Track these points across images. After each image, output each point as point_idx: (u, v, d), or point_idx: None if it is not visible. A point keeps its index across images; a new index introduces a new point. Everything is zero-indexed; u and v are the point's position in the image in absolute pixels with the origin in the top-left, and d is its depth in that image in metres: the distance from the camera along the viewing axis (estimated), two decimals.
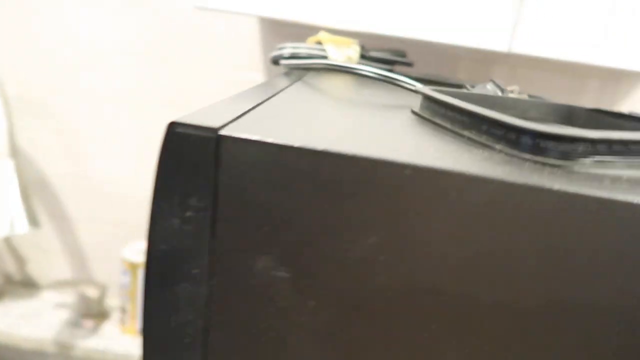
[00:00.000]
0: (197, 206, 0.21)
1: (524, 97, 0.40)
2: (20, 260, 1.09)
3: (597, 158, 0.23)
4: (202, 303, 0.23)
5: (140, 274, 0.96)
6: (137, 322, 0.99)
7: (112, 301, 1.06)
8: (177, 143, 0.21)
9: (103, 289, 1.04)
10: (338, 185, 0.21)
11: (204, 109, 0.24)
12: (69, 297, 1.06)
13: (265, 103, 0.29)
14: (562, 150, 0.23)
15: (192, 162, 0.21)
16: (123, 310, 0.99)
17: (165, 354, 0.23)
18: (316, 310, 0.22)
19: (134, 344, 0.98)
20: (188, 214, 0.22)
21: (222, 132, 0.21)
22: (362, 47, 0.55)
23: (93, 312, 1.02)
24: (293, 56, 0.51)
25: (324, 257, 0.22)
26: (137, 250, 0.99)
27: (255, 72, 0.96)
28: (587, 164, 0.23)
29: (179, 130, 0.21)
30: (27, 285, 1.09)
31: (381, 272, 0.21)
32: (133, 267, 0.96)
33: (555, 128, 0.23)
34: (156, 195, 0.21)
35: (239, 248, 0.22)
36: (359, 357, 0.23)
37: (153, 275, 0.22)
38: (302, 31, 0.92)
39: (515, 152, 0.24)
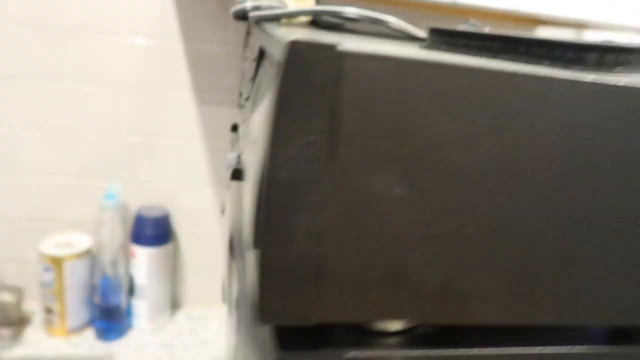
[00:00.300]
0: (319, 129, 0.21)
1: None
2: None
3: (629, 66, 0.27)
4: (320, 231, 0.23)
5: (66, 268, 0.87)
6: (67, 322, 0.90)
7: (31, 304, 0.95)
8: (300, 64, 0.20)
9: (19, 292, 0.93)
10: (454, 96, 0.22)
11: (289, 34, 0.23)
12: None
13: None
14: (604, 60, 0.27)
15: (315, 82, 0.21)
16: (48, 311, 0.90)
17: (282, 288, 0.23)
18: (431, 223, 0.23)
19: (66, 346, 0.90)
20: (309, 137, 0.21)
21: (344, 48, 0.21)
22: (317, 2, 0.56)
23: (11, 319, 0.90)
24: (255, 8, 0.49)
25: (440, 169, 0.23)
26: (57, 243, 0.89)
27: (169, 39, 0.90)
28: (623, 71, 0.27)
29: (301, 50, 0.20)
30: None
31: (493, 178, 0.23)
32: (56, 261, 0.87)
33: (594, 41, 0.27)
34: (276, 122, 0.21)
35: (359, 168, 0.22)
36: (472, 266, 0.24)
37: (271, 207, 0.22)
38: None
39: (560, 65, 0.27)
